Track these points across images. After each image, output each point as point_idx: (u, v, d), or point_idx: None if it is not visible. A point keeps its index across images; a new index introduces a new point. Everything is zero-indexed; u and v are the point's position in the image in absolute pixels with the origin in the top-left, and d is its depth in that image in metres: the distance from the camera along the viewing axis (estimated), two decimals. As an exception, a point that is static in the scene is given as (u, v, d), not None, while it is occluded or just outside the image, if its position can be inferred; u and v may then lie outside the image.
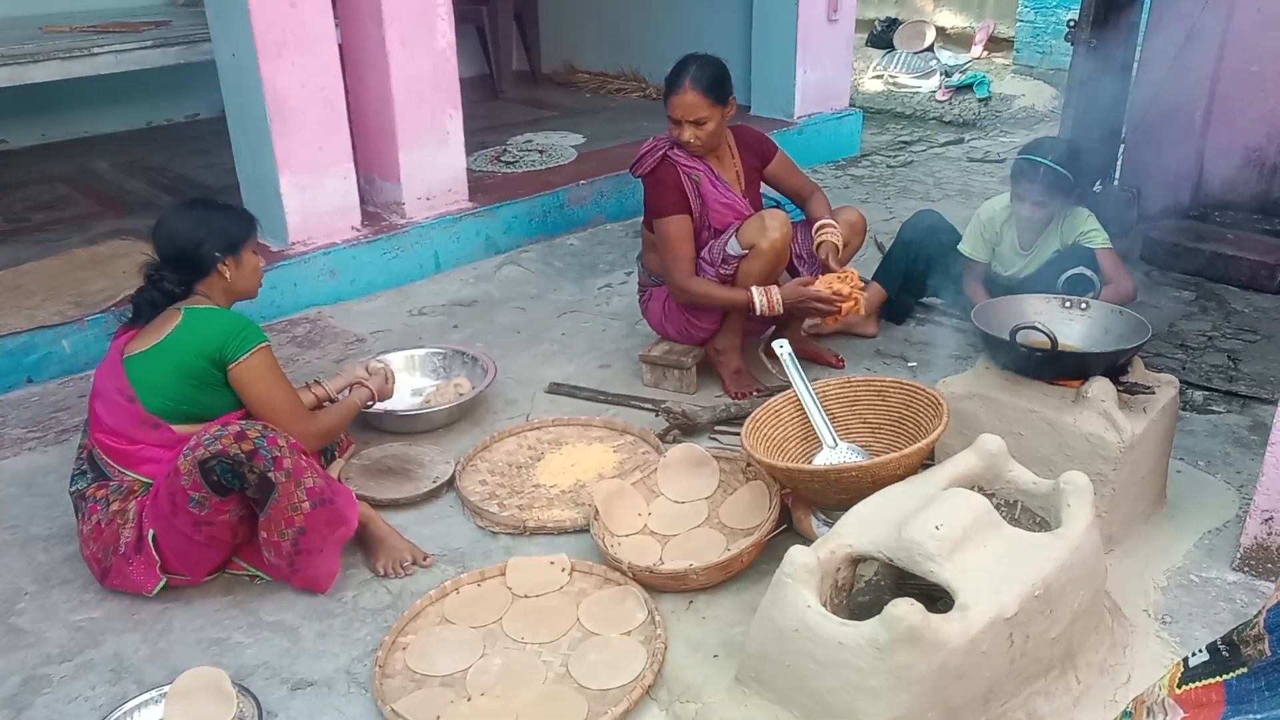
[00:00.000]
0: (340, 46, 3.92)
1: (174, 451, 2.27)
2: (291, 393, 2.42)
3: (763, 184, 3.31)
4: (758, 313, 3.01)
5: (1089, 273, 2.97)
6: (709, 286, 3.06)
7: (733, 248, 3.00)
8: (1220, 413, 3.07)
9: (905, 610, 1.68)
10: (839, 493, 2.24)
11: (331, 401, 2.72)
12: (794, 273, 3.21)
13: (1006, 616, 1.76)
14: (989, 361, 2.58)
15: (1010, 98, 7.32)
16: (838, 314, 3.00)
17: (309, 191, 3.88)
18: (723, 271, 3.05)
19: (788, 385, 3.11)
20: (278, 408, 2.35)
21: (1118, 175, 4.58)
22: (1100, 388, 2.35)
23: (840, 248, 3.10)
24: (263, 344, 2.35)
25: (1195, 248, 4.17)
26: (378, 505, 2.60)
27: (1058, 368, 2.38)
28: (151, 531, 2.24)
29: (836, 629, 1.76)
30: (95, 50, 4.50)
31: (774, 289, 3.00)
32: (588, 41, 7.10)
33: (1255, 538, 2.29)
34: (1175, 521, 2.53)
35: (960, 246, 3.42)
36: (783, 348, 2.69)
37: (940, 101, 7.37)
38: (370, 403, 2.75)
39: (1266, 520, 2.26)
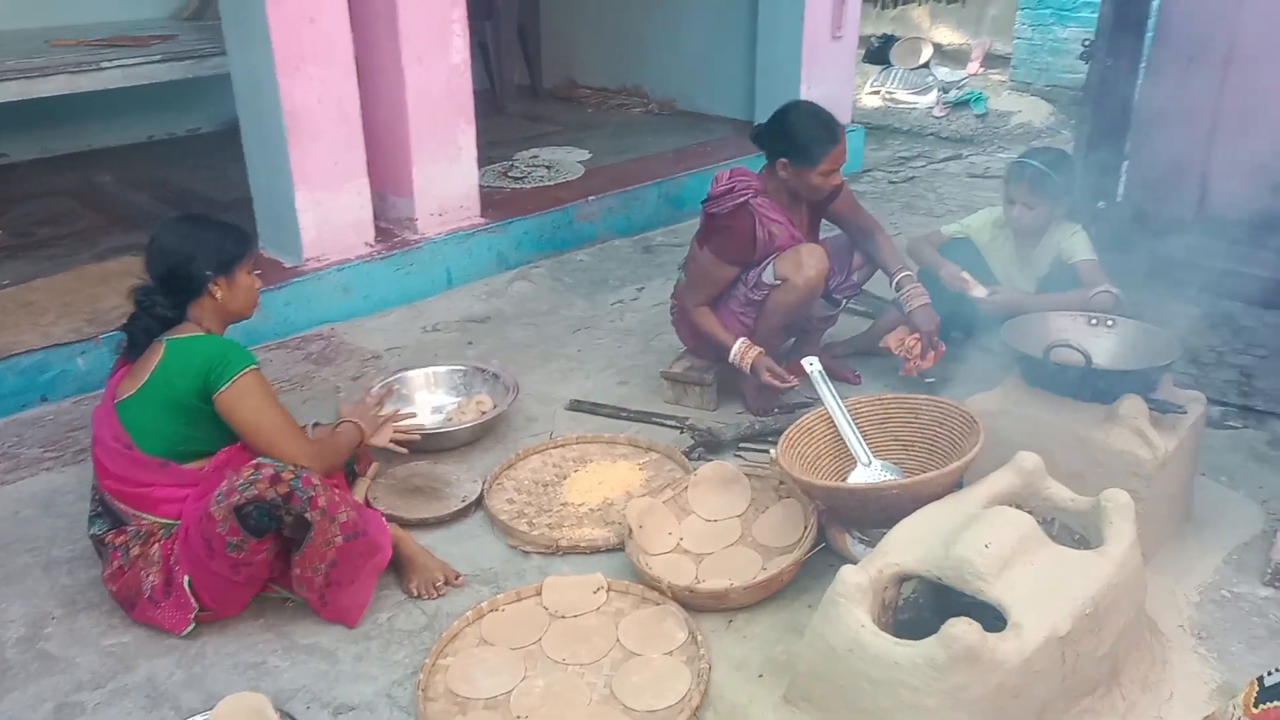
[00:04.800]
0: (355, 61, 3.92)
1: (189, 490, 2.25)
2: (284, 416, 2.30)
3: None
4: (730, 359, 3.05)
5: (1114, 290, 2.99)
6: (710, 321, 3.09)
7: (768, 276, 2.99)
8: (1237, 428, 3.09)
9: (963, 630, 1.68)
10: (878, 511, 2.24)
11: None
12: (828, 300, 3.24)
13: (1060, 635, 1.77)
14: (1017, 379, 2.60)
15: (1007, 114, 7.38)
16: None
17: (324, 207, 3.87)
18: (753, 296, 3.05)
19: (810, 402, 3.15)
20: (270, 433, 2.25)
21: (1121, 191, 4.63)
22: (1132, 405, 2.37)
23: (932, 313, 3.11)
24: (248, 368, 2.24)
25: (1202, 264, 4.20)
26: (406, 525, 2.58)
27: (1092, 386, 2.39)
28: (187, 577, 2.21)
29: (891, 648, 1.76)
30: (103, 65, 4.48)
31: (753, 351, 3.01)
32: (589, 56, 7.12)
33: (1288, 553, 2.31)
34: (1203, 537, 2.55)
35: (944, 227, 3.47)
36: (813, 365, 2.70)
37: (938, 117, 7.42)
38: (360, 443, 2.52)
39: (1299, 536, 2.28)
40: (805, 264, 2.95)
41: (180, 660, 2.21)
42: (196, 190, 5.07)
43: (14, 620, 2.34)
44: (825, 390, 2.61)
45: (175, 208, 4.79)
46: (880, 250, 3.19)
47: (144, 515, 2.27)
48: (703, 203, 3.14)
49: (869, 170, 6.22)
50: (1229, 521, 2.60)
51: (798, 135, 2.95)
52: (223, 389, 2.22)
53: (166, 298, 2.30)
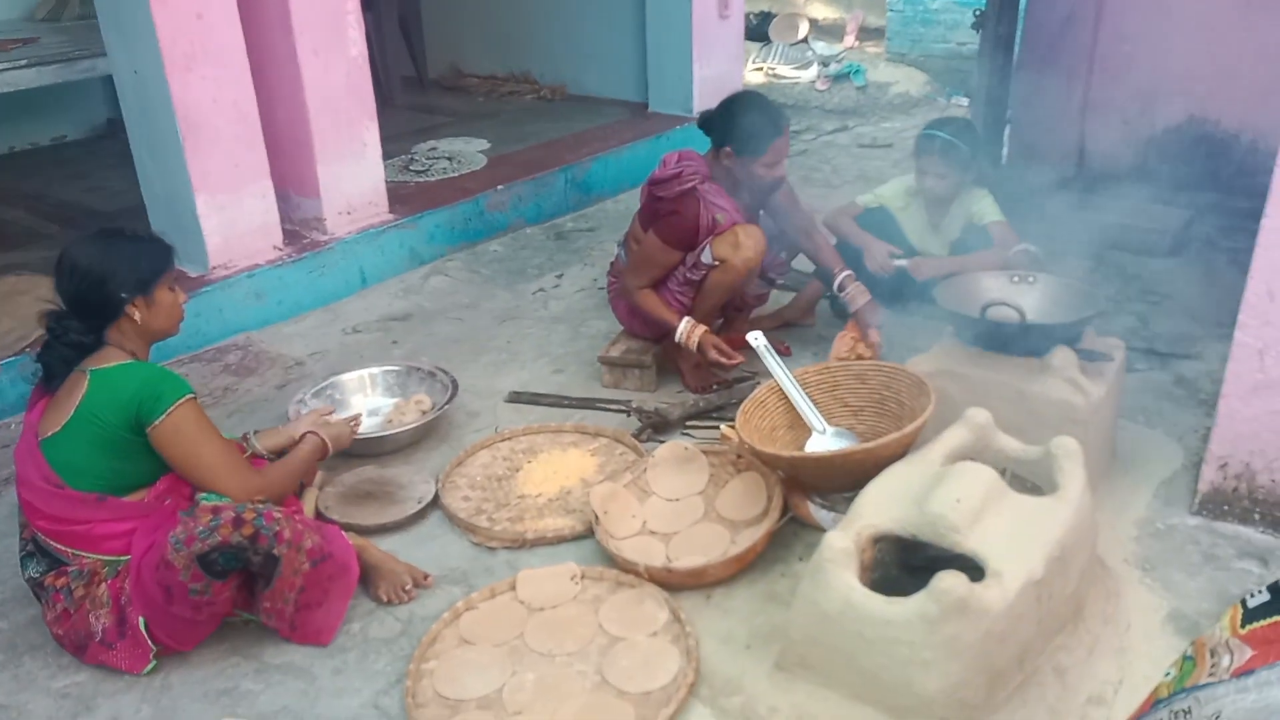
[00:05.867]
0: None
1: (131, 524, 2.13)
2: (224, 448, 2.19)
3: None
4: (675, 339, 3.07)
5: (1033, 248, 3.14)
6: (653, 302, 3.11)
7: (706, 256, 3.02)
8: (1143, 370, 3.29)
9: (952, 583, 1.76)
10: (842, 476, 2.31)
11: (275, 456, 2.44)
12: (762, 279, 3.28)
13: (1036, 579, 1.86)
14: (952, 340, 2.70)
15: (886, 85, 7.61)
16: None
17: (227, 211, 3.71)
18: (691, 276, 3.07)
19: (747, 376, 3.21)
20: (211, 470, 2.14)
21: (1005, 154, 4.86)
22: (1064, 356, 2.50)
23: (876, 308, 3.13)
24: (183, 398, 2.12)
25: (1086, 219, 4.45)
26: (364, 532, 2.52)
27: (1026, 341, 2.51)
28: (142, 619, 2.10)
29: (884, 607, 1.82)
30: (-37, 72, 4.17)
31: (699, 330, 3.05)
32: (474, 44, 7.00)
33: (1212, 483, 2.49)
34: (1130, 475, 2.71)
35: (859, 198, 3.59)
36: (758, 339, 2.75)
37: (820, 91, 7.60)
38: (323, 455, 2.45)
39: (1222, 466, 2.46)
40: (743, 245, 2.99)
41: (145, 695, 2.11)
42: (77, 202, 4.79)
43: (-49, 671, 2.19)
44: (773, 363, 2.66)
45: (55, 222, 4.52)
46: (819, 251, 3.27)
47: (84, 555, 2.14)
48: (648, 183, 3.15)
49: (763, 146, 6.32)
50: (1151, 459, 2.78)
51: (743, 126, 2.99)
52: (156, 422, 2.09)
53: (81, 322, 2.16)
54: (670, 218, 3.01)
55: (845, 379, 2.65)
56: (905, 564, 2.09)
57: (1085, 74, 4.66)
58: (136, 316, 2.17)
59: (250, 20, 3.71)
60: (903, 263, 3.29)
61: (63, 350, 2.17)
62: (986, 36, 4.00)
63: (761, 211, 3.27)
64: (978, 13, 3.99)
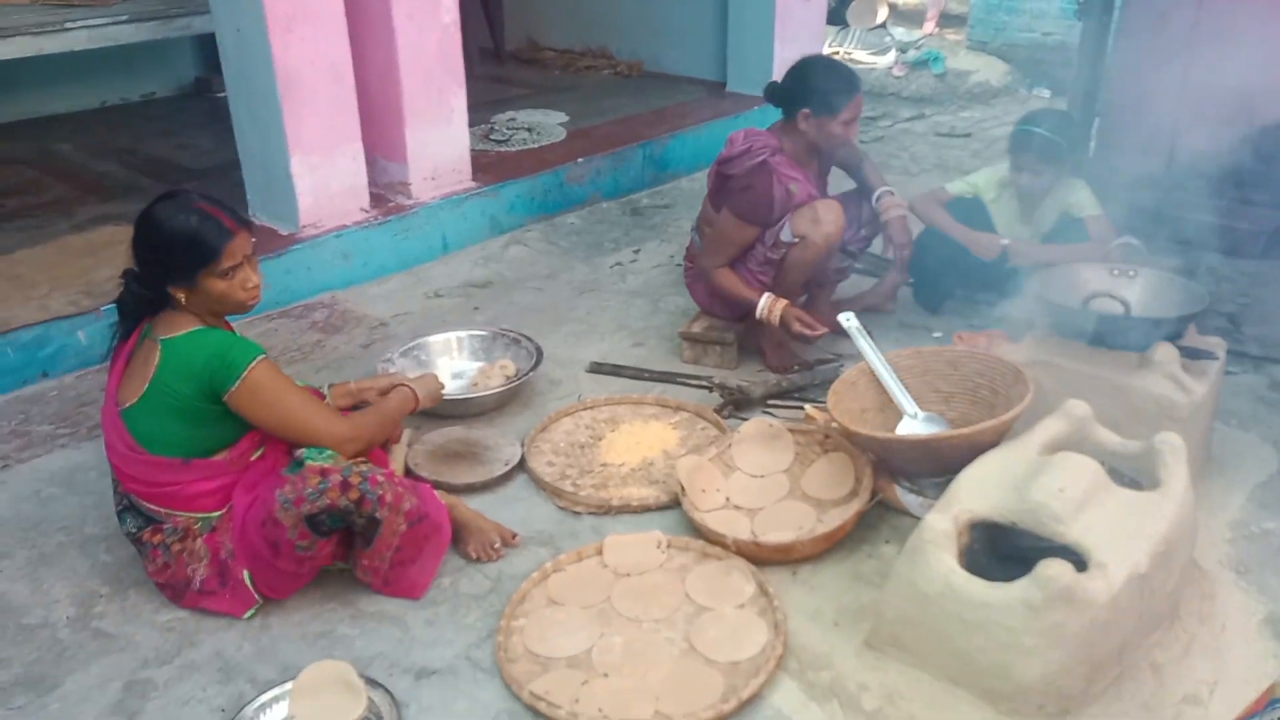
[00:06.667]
0: (343, 21, 3.81)
1: (222, 481, 2.18)
2: (306, 399, 2.19)
3: None
4: (757, 316, 3.06)
5: (1135, 241, 3.09)
6: (731, 281, 3.10)
7: (785, 234, 3.01)
8: (1236, 373, 3.22)
9: (1058, 570, 1.75)
10: (935, 461, 2.30)
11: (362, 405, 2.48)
12: (843, 252, 3.27)
13: (1140, 573, 1.85)
14: (1045, 330, 2.67)
15: (965, 73, 7.48)
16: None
17: (320, 172, 3.77)
18: (771, 255, 3.06)
19: (831, 358, 3.20)
20: (299, 423, 2.16)
21: (1093, 147, 4.76)
22: (1166, 352, 2.46)
23: (906, 225, 3.16)
24: (254, 361, 2.10)
25: (1178, 217, 4.35)
26: (453, 490, 2.56)
27: (1128, 334, 2.47)
28: (246, 572, 2.16)
29: (986, 591, 1.82)
30: (68, 25, 4.29)
31: (781, 304, 3.03)
32: (552, 17, 7.01)
33: (1311, 489, 2.44)
34: (1224, 478, 2.66)
35: (950, 185, 3.55)
36: (850, 320, 2.74)
37: (897, 77, 7.50)
38: (413, 409, 2.47)
39: (1323, 473, 2.41)
40: (823, 220, 2.97)
41: (245, 633, 2.17)
42: (168, 158, 4.89)
43: (60, 600, 2.28)
44: (865, 344, 2.65)
45: (147, 176, 4.62)
46: (865, 174, 3.29)
47: (176, 513, 2.19)
48: (717, 164, 3.15)
49: (839, 130, 6.25)
50: (1245, 462, 2.72)
51: (820, 86, 2.99)
52: (232, 389, 2.09)
53: (145, 288, 2.16)
54: (744, 193, 3.00)
55: (937, 364, 2.63)
56: (994, 551, 2.09)
57: (1182, 68, 4.54)
58: (181, 299, 2.13)
59: (350, -17, 3.75)
60: (1007, 241, 3.26)
61: (130, 304, 2.19)
62: (1089, 24, 3.90)
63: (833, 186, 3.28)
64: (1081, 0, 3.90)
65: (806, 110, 3.00)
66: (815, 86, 2.99)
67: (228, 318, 2.28)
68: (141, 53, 5.31)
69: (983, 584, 1.83)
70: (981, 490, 2.05)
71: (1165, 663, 1.97)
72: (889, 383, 2.57)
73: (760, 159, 3.00)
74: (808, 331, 3.01)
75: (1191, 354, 2.51)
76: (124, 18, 4.44)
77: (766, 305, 3.04)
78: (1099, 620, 1.78)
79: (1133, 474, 2.22)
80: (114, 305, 2.22)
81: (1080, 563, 1.85)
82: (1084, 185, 3.35)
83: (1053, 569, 1.75)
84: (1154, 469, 2.12)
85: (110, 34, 4.41)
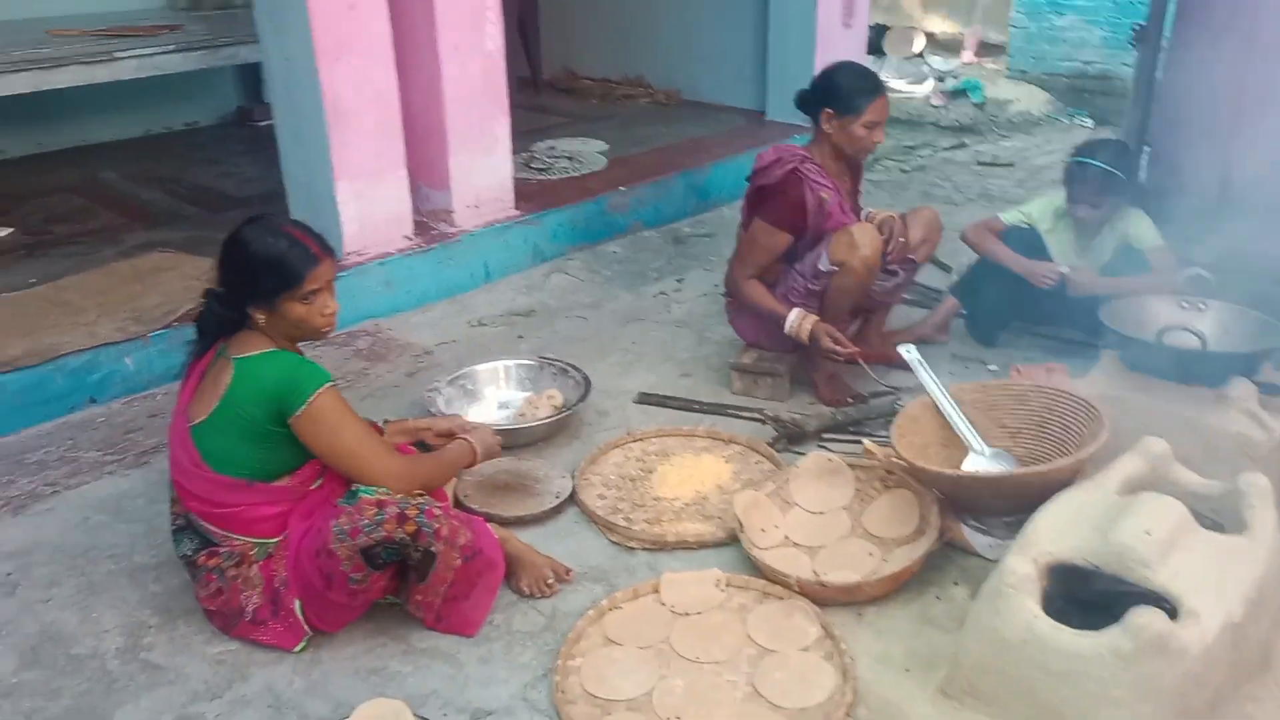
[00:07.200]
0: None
1: (282, 507, 2.16)
2: (364, 433, 2.17)
3: None
4: (785, 329, 3.01)
5: (1206, 273, 3.01)
6: (759, 293, 3.07)
7: (824, 263, 2.96)
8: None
9: (1151, 619, 1.66)
10: (1006, 500, 2.22)
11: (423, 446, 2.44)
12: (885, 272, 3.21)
13: (1234, 622, 1.76)
14: (1112, 363, 2.59)
15: (1005, 102, 7.43)
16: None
17: (365, 199, 3.76)
18: (813, 287, 3.02)
19: (887, 392, 3.13)
20: (355, 457, 2.12)
21: (1143, 177, 4.67)
22: (1244, 388, 2.37)
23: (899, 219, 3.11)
24: (323, 387, 2.10)
25: (1234, 248, 4.24)
26: (503, 523, 2.51)
27: (1203, 369, 2.39)
28: (298, 602, 2.13)
29: (1073, 639, 1.73)
30: (117, 55, 4.32)
31: (811, 319, 2.99)
32: (589, 46, 7.04)
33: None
34: (1303, 519, 2.56)
35: (1004, 215, 3.47)
36: (910, 352, 2.68)
37: (936, 106, 7.45)
38: (471, 464, 2.38)
39: None
40: (860, 244, 2.93)
41: (296, 667, 2.12)
42: (212, 186, 4.92)
43: (109, 630, 2.24)
44: (927, 377, 2.58)
45: (192, 204, 4.65)
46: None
47: (235, 536, 2.16)
48: (748, 178, 3.15)
49: (878, 159, 6.20)
50: (1324, 502, 2.62)
51: (842, 84, 3.00)
52: (298, 413, 2.08)
53: (225, 307, 2.17)
54: (776, 199, 2.99)
55: (1003, 399, 2.55)
56: (1071, 596, 2.00)
57: (1235, 97, 4.46)
58: (260, 321, 2.14)
59: (396, 12, 3.76)
60: (1065, 269, 3.19)
61: (210, 323, 2.20)
62: (1145, 53, 3.84)
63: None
64: (1138, 27, 3.84)
65: (829, 110, 2.99)
66: (838, 85, 3.00)
67: (300, 343, 2.27)
68: (185, 82, 5.35)
69: (1070, 632, 1.75)
70: (1061, 531, 1.97)
71: (1259, 716, 1.87)
72: (954, 418, 2.50)
73: (791, 166, 3.00)
74: (837, 349, 2.95)
75: (1270, 390, 2.43)
76: (171, 47, 4.48)
77: (796, 321, 2.99)
78: (1192, 672, 1.70)
79: (1213, 515, 2.14)
80: (202, 323, 2.22)
81: (1169, 610, 1.77)
82: (1143, 216, 3.28)
83: (1145, 617, 1.67)
84: (1238, 511, 2.03)
85: (158, 63, 4.45)
